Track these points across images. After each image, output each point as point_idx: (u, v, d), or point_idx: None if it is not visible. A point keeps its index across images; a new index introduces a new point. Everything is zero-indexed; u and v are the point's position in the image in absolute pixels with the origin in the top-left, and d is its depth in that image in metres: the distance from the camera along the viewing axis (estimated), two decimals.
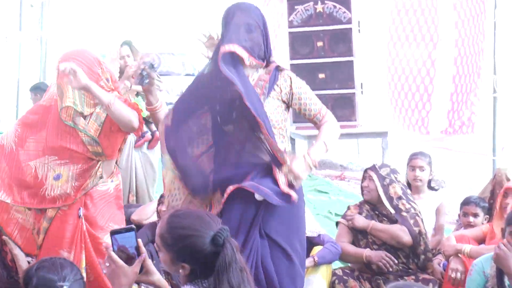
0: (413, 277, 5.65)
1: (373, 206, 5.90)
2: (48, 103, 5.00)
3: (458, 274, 5.29)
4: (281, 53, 12.11)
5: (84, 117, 4.90)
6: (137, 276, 3.16)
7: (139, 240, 3.20)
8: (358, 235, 5.86)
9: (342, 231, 5.94)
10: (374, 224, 5.74)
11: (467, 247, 5.32)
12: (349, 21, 12.29)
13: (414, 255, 5.75)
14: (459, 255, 5.35)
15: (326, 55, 12.35)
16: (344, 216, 5.97)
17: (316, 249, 5.63)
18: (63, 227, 4.89)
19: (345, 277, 5.73)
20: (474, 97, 14.67)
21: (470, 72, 14.62)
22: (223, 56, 4.39)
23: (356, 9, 12.41)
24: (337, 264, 6.07)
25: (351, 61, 12.33)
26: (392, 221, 5.78)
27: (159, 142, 5.88)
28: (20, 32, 13.89)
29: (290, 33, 12.47)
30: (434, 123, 15.20)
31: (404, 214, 5.71)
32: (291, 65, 12.42)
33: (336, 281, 5.70)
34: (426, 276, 5.66)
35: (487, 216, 5.96)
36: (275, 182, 4.44)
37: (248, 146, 4.47)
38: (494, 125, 9.77)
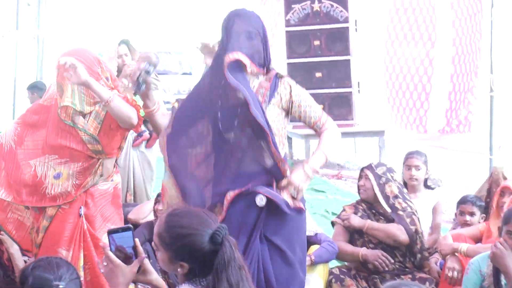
0: (409, 276, 5.65)
1: (369, 205, 5.90)
2: (48, 103, 5.01)
3: (455, 273, 5.29)
4: (278, 52, 12.11)
5: (84, 116, 4.90)
6: (134, 275, 3.16)
7: (137, 239, 3.20)
8: (355, 235, 5.86)
9: (338, 231, 5.94)
10: (370, 223, 5.75)
11: (463, 246, 5.33)
12: (346, 20, 12.30)
13: (410, 254, 5.76)
14: (456, 254, 5.35)
15: (323, 54, 12.36)
16: (339, 217, 5.97)
17: (313, 248, 5.63)
18: (63, 226, 4.90)
19: (342, 276, 5.73)
20: (471, 96, 14.69)
21: (467, 71, 14.64)
22: (228, 65, 4.38)
23: (353, 8, 12.42)
24: (334, 263, 6.07)
25: (348, 60, 12.33)
26: (389, 220, 5.78)
27: (157, 141, 5.89)
28: (17, 30, 13.88)
29: (287, 32, 12.48)
30: (432, 122, 15.21)
31: (401, 213, 5.71)
32: (288, 64, 12.43)
33: (333, 280, 5.70)
34: (423, 275, 5.67)
35: (484, 215, 5.97)
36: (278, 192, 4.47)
37: (249, 154, 4.47)
38: (491, 124, 9.78)
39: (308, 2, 12.38)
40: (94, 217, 4.97)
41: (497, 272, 4.64)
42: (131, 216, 6.34)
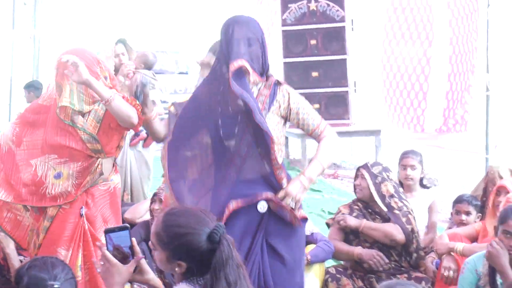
0: (405, 275, 5.66)
1: (365, 204, 5.91)
2: (48, 103, 5.00)
3: (451, 272, 5.29)
4: (274, 51, 12.11)
5: (83, 115, 4.89)
6: (131, 275, 3.16)
7: (134, 239, 3.20)
8: (350, 236, 5.87)
9: (333, 231, 5.95)
10: (367, 223, 5.75)
11: (459, 245, 5.33)
12: (342, 20, 12.30)
13: (406, 254, 5.76)
14: (452, 253, 5.36)
15: (320, 54, 12.36)
16: (334, 219, 5.97)
17: (309, 248, 5.63)
18: (63, 226, 4.89)
19: (338, 275, 5.74)
20: (468, 96, 14.70)
21: (464, 70, 14.65)
22: (233, 73, 4.39)
23: (350, 8, 12.42)
24: (330, 263, 6.08)
25: (344, 60, 12.34)
26: (385, 219, 5.79)
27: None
28: (13, 30, 13.87)
29: (283, 31, 12.49)
30: (429, 121, 15.23)
31: (397, 212, 5.72)
32: (285, 63, 12.44)
33: (329, 279, 5.70)
34: (419, 274, 5.68)
35: (480, 214, 5.97)
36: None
37: (248, 162, 4.47)
38: (487, 124, 9.78)
39: (305, 2, 12.39)
40: (95, 217, 4.97)
41: (492, 271, 4.65)
42: (127, 215, 6.34)
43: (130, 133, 7.01)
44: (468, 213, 5.95)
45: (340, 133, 11.44)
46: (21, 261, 5.16)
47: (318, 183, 10.44)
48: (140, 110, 4.96)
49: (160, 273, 5.23)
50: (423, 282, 5.53)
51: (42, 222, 4.91)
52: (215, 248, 3.05)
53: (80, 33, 15.58)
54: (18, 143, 4.96)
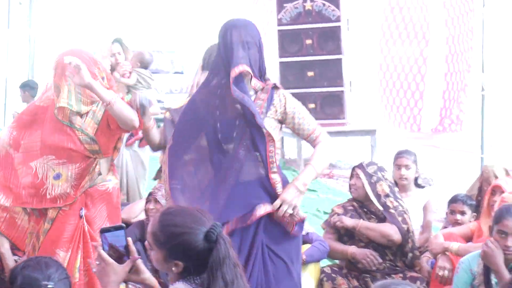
0: (400, 275, 5.66)
1: (360, 204, 5.91)
2: (45, 104, 4.99)
3: (446, 272, 5.30)
4: (270, 51, 12.11)
5: (81, 116, 4.89)
6: (126, 274, 3.16)
7: (129, 239, 3.20)
8: (344, 238, 5.87)
9: (328, 231, 5.95)
10: (363, 222, 5.74)
11: (454, 245, 5.33)
12: (338, 19, 12.29)
13: (401, 253, 5.76)
14: (447, 253, 5.36)
15: (315, 53, 12.36)
16: (328, 221, 5.97)
17: (304, 248, 5.63)
18: (63, 227, 4.89)
19: (333, 275, 5.74)
20: (463, 95, 14.72)
21: (460, 69, 14.67)
22: (234, 79, 4.40)
23: (345, 7, 12.42)
24: (325, 262, 6.08)
25: (340, 59, 12.33)
26: (380, 218, 5.79)
27: None
28: (8, 29, 13.86)
29: (279, 31, 12.49)
30: (426, 121, 15.24)
31: (392, 211, 5.72)
32: (280, 63, 12.44)
33: (325, 279, 5.71)
34: (414, 274, 5.68)
35: (475, 213, 5.98)
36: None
37: (246, 165, 4.47)
38: (482, 123, 9.80)
39: (300, 1, 12.39)
40: (94, 218, 4.97)
41: (487, 271, 4.66)
42: (122, 215, 6.32)
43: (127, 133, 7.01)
44: (463, 213, 5.96)
45: (336, 133, 11.57)
46: (16, 261, 5.15)
47: (313, 183, 10.40)
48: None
49: (155, 272, 5.23)
50: (418, 282, 5.53)
51: (43, 225, 4.91)
52: (212, 248, 3.05)
53: (76, 32, 15.58)
54: (16, 147, 4.94)
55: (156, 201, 5.77)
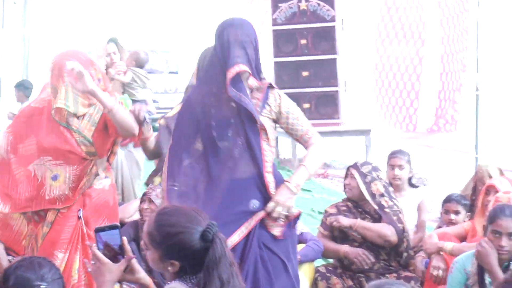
0: (395, 274, 5.66)
1: (355, 204, 5.91)
2: (41, 105, 4.98)
3: (440, 272, 5.30)
4: (264, 51, 12.12)
5: (78, 118, 4.89)
6: (121, 273, 3.16)
7: (124, 238, 3.20)
8: (337, 240, 5.87)
9: (322, 232, 5.96)
10: (360, 222, 5.74)
11: (448, 245, 5.34)
12: (332, 19, 12.31)
13: (395, 253, 5.77)
14: (441, 252, 5.37)
15: (310, 53, 12.38)
16: (323, 222, 5.97)
17: (299, 247, 5.63)
18: (62, 229, 4.88)
19: (328, 274, 5.74)
20: (458, 95, 14.75)
21: (455, 69, 14.70)
22: (231, 79, 4.40)
23: (340, 7, 12.43)
24: (319, 262, 6.09)
25: (335, 59, 12.35)
26: (375, 218, 5.79)
27: None
28: (3, 29, 13.84)
29: (273, 30, 12.51)
30: (422, 120, 15.28)
31: (387, 210, 5.72)
32: (275, 63, 12.45)
33: (319, 278, 5.71)
34: (408, 273, 5.68)
35: (469, 213, 5.98)
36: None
37: (241, 163, 4.48)
38: (477, 123, 9.81)
39: (295, 1, 12.41)
40: (92, 217, 4.96)
41: (481, 270, 4.67)
42: None
43: None
44: (457, 213, 5.96)
45: (330, 133, 11.58)
46: (10, 261, 5.14)
47: (308, 183, 10.43)
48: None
49: (149, 272, 5.22)
50: (412, 282, 5.53)
51: (41, 228, 4.91)
52: (208, 247, 3.05)
53: (70, 32, 15.58)
54: (14, 151, 4.93)
55: (151, 201, 5.77)
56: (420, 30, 15.09)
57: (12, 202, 4.89)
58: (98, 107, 4.89)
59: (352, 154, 11.96)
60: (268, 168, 4.48)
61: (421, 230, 6.32)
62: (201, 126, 4.49)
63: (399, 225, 5.68)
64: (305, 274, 5.61)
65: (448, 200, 6.07)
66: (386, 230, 5.66)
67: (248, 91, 4.51)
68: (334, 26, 12.34)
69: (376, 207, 5.74)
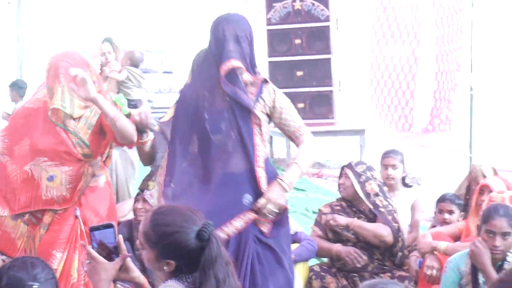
0: (389, 274, 5.67)
1: (349, 203, 5.92)
2: (36, 105, 4.97)
3: (434, 271, 5.30)
4: (259, 51, 12.12)
5: (74, 120, 4.88)
6: (117, 272, 3.15)
7: (120, 236, 3.20)
8: (331, 241, 5.87)
9: (316, 232, 5.96)
10: (357, 221, 5.74)
11: (442, 244, 5.34)
12: (327, 19, 12.32)
13: (390, 253, 5.77)
14: (435, 252, 5.38)
15: (304, 53, 12.39)
16: (318, 222, 5.97)
17: (293, 247, 5.63)
18: (59, 229, 4.89)
19: (322, 273, 5.75)
20: (453, 95, 14.77)
21: (450, 69, 14.72)
22: (225, 75, 4.41)
23: (334, 7, 12.44)
24: (313, 261, 6.09)
25: (329, 59, 12.36)
26: (369, 218, 5.80)
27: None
28: None
29: (268, 30, 12.51)
30: (417, 120, 15.30)
31: (382, 210, 5.72)
32: (269, 62, 12.45)
33: (314, 277, 5.71)
34: (402, 273, 5.69)
35: (463, 213, 5.99)
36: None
37: (234, 157, 4.48)
38: (471, 123, 9.82)
39: (290, 1, 12.42)
40: (89, 216, 4.96)
41: (475, 270, 4.68)
42: None
43: None
44: (451, 212, 5.97)
45: (325, 133, 11.59)
46: (3, 261, 5.13)
47: (302, 183, 10.45)
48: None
49: (143, 272, 5.22)
50: (406, 281, 5.54)
51: (38, 230, 4.91)
52: (204, 246, 3.05)
53: (65, 32, 15.56)
54: (10, 154, 4.93)
55: (145, 200, 5.77)
56: (415, 30, 15.11)
57: (10, 205, 4.89)
58: (95, 110, 4.89)
59: (346, 154, 11.96)
60: (260, 163, 4.47)
61: (415, 230, 6.33)
62: (195, 120, 4.49)
63: (394, 224, 5.69)
64: (299, 273, 5.61)
65: (442, 199, 6.07)
66: (382, 231, 5.67)
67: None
68: (328, 26, 12.34)
69: (371, 206, 5.75)
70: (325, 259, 6.10)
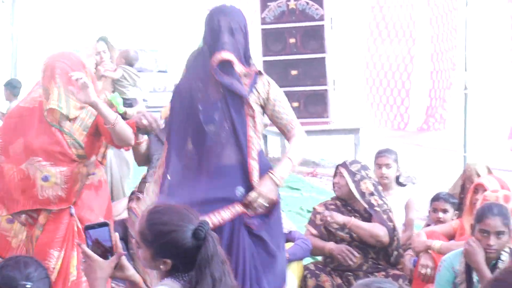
0: (383, 273, 5.67)
1: (344, 202, 5.92)
2: (31, 105, 4.97)
3: (428, 270, 5.31)
4: (253, 50, 12.11)
5: (70, 121, 4.88)
6: (112, 270, 3.16)
7: (116, 234, 3.20)
8: (325, 240, 5.88)
9: (311, 229, 5.96)
10: (355, 220, 5.74)
11: (437, 243, 5.35)
12: (321, 18, 12.32)
13: (384, 252, 5.77)
14: (429, 251, 5.38)
15: (299, 52, 12.38)
16: (312, 221, 5.97)
17: (287, 246, 5.63)
18: (55, 228, 4.89)
19: (317, 272, 5.75)
20: (448, 94, 14.78)
21: (445, 68, 14.73)
22: (217, 65, 4.42)
23: (329, 6, 12.44)
24: (307, 260, 6.10)
25: (323, 58, 12.36)
26: (364, 217, 5.80)
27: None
28: None
29: (262, 29, 12.50)
30: (413, 119, 15.31)
31: (377, 209, 5.73)
32: (264, 61, 12.44)
33: (309, 276, 5.72)
34: (397, 272, 5.69)
35: (457, 212, 6.00)
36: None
37: (227, 149, 4.48)
38: (465, 122, 9.83)
39: (284, 0, 12.41)
40: (85, 214, 4.97)
41: (469, 269, 4.68)
42: None
43: None
44: (445, 211, 5.98)
45: (319, 132, 11.59)
46: None
47: (297, 182, 10.46)
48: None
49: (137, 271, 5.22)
50: (401, 280, 5.54)
51: (35, 231, 4.91)
52: (200, 245, 3.06)
53: (59, 31, 15.54)
54: (6, 155, 4.93)
55: (139, 199, 5.76)
56: (411, 28, 15.13)
57: (8, 205, 4.90)
58: (91, 112, 4.89)
59: (341, 153, 11.97)
60: (253, 155, 4.48)
61: (409, 229, 6.34)
62: (191, 113, 4.50)
63: (389, 223, 5.70)
64: (293, 272, 5.61)
65: (436, 198, 6.08)
66: (378, 230, 5.67)
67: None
68: (323, 25, 12.35)
69: (366, 205, 5.75)
70: (319, 258, 6.11)
